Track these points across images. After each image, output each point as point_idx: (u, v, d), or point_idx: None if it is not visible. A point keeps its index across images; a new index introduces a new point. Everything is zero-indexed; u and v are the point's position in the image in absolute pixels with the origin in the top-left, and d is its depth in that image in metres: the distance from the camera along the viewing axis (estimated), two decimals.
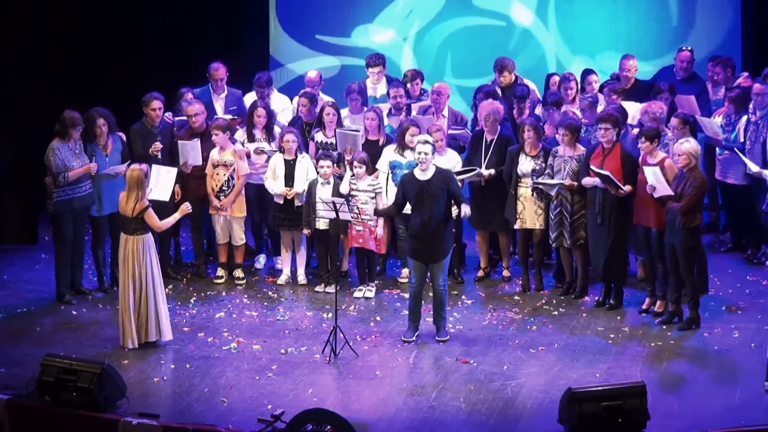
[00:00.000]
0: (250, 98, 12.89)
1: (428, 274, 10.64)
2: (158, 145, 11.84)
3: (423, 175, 10.46)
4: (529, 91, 12.54)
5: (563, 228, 11.33)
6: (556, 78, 13.05)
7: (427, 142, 10.50)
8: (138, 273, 10.28)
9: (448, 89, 12.62)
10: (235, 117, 12.50)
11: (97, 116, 11.61)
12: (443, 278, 10.55)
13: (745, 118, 12.06)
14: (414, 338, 10.58)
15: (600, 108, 12.01)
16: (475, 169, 11.62)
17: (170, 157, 12.00)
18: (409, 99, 12.76)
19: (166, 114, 12.35)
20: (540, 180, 11.33)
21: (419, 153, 10.44)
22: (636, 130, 11.58)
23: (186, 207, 10.71)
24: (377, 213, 11.05)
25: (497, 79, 12.99)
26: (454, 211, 11.33)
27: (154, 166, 10.73)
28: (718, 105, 12.86)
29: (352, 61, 14.95)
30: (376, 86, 13.18)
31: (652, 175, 10.51)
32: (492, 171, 11.67)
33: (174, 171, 11.00)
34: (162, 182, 10.86)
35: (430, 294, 10.77)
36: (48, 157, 11.38)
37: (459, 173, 11.59)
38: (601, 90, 12.68)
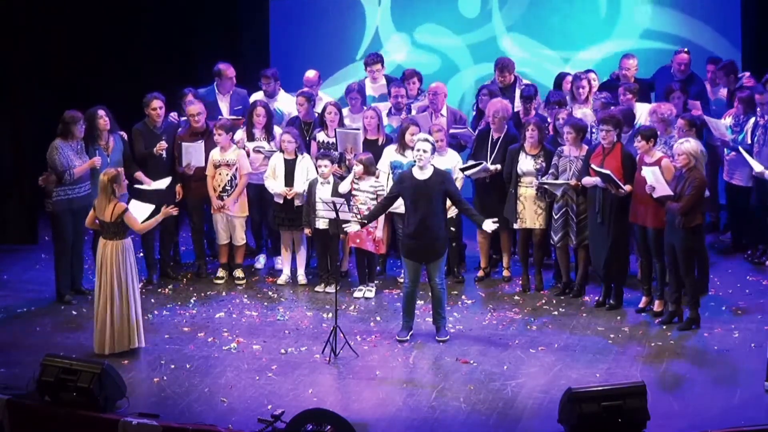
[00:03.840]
0: (256, 98, 12.86)
1: (424, 273, 10.65)
2: (163, 144, 11.84)
3: (421, 174, 10.45)
4: (536, 91, 12.53)
5: (569, 228, 11.33)
6: (569, 78, 13.03)
7: (426, 140, 10.50)
8: (119, 278, 10.17)
9: (444, 88, 12.61)
10: (239, 117, 12.49)
11: (98, 109, 11.65)
12: (440, 276, 10.55)
13: (753, 119, 12.05)
14: (408, 337, 10.58)
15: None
16: (482, 163, 11.60)
17: (173, 158, 12.01)
18: (407, 98, 12.76)
19: (172, 114, 12.35)
20: (545, 180, 11.32)
21: (418, 151, 10.43)
22: None
23: (170, 210, 10.55)
24: (368, 219, 10.83)
25: (496, 78, 12.99)
26: (453, 211, 11.35)
27: (133, 201, 10.67)
28: (718, 105, 12.88)
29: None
30: (375, 85, 13.18)
31: (651, 175, 10.50)
32: (498, 166, 11.66)
33: (151, 208, 10.84)
34: (139, 211, 10.65)
35: (429, 294, 10.77)
36: (51, 156, 11.37)
37: (466, 168, 11.58)
38: (600, 89, 12.67)
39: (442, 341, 10.54)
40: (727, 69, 12.94)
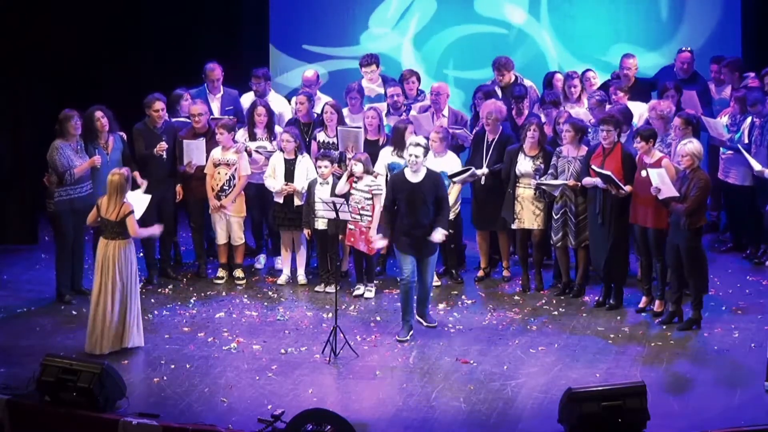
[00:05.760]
0: (247, 98, 12.88)
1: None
2: (163, 144, 11.84)
3: (414, 177, 10.47)
4: (526, 91, 12.52)
5: (568, 229, 11.33)
6: (559, 76, 13.02)
7: (419, 144, 10.51)
8: (120, 278, 10.17)
9: (447, 89, 12.62)
10: (231, 117, 12.48)
11: (95, 110, 11.63)
12: (431, 276, 10.71)
13: (749, 119, 12.05)
14: (408, 337, 10.58)
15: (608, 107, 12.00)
16: (470, 169, 11.61)
17: (174, 158, 12.01)
18: (406, 99, 12.75)
19: None
20: (543, 180, 11.32)
21: (410, 155, 10.45)
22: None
23: (156, 229, 10.77)
24: (384, 228, 10.87)
25: (496, 78, 12.98)
26: (452, 213, 11.34)
27: (130, 193, 10.66)
28: (723, 104, 12.85)
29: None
30: (371, 86, 13.16)
31: (657, 177, 10.48)
32: (485, 170, 11.66)
33: (148, 198, 10.91)
34: (137, 202, 10.63)
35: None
36: (52, 156, 11.37)
37: (454, 175, 11.58)
38: (601, 88, 12.67)
39: (432, 326, 10.73)
40: (732, 65, 12.93)
